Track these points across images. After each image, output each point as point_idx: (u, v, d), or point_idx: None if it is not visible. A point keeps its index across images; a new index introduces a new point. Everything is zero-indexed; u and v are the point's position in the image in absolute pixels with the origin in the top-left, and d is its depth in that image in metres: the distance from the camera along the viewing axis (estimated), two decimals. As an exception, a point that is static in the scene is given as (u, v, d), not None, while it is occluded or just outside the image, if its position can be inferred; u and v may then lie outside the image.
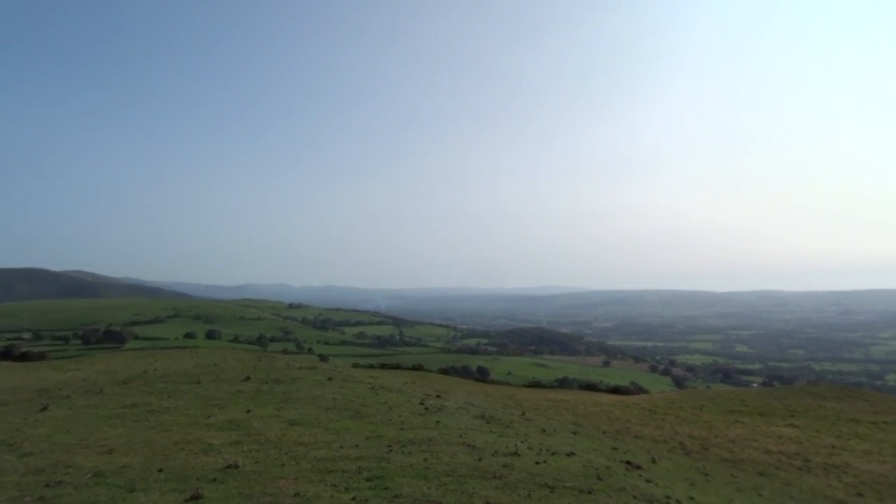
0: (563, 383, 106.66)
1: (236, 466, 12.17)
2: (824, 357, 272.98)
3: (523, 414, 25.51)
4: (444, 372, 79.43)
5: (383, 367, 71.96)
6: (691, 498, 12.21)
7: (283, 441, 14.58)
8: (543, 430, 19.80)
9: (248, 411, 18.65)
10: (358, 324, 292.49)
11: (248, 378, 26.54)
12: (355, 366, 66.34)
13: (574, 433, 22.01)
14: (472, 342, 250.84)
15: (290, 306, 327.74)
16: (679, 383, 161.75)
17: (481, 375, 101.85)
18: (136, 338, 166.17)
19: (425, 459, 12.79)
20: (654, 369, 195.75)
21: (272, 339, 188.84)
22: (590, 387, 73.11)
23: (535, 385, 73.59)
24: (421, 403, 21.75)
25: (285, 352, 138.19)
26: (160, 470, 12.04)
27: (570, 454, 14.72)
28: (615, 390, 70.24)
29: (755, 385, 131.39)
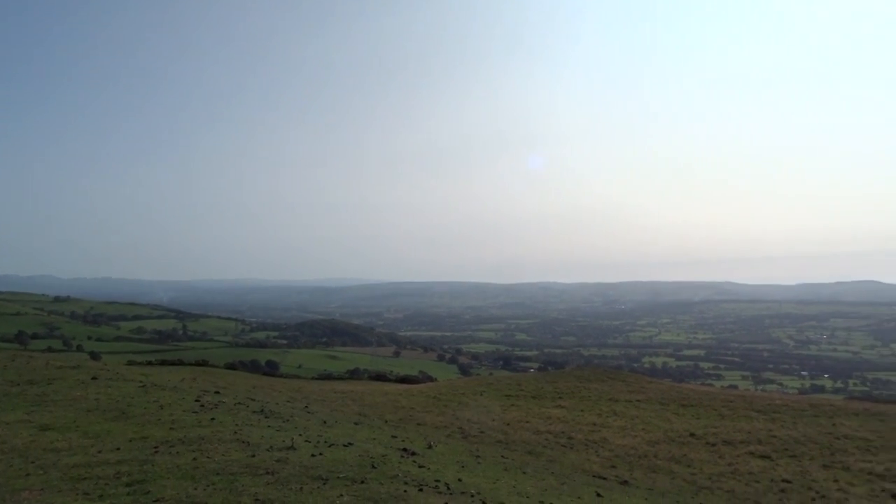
0: (353, 374, 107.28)
1: (-31, 480, 10.76)
2: (592, 343, 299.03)
3: (307, 407, 25.25)
4: (231, 367, 76.41)
5: (163, 363, 67.72)
6: (459, 480, 12.79)
7: (30, 448, 13.13)
8: (325, 422, 19.73)
9: (-8, 417, 16.60)
10: (136, 318, 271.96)
11: (-5, 380, 23.64)
12: (130, 363, 61.83)
13: (356, 424, 22.18)
14: (261, 335, 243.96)
15: (57, 299, 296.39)
16: (464, 371, 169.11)
17: (270, 369, 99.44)
18: None
19: (194, 459, 12.17)
20: (441, 358, 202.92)
21: (34, 337, 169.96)
22: (379, 377, 74.21)
23: (326, 377, 73.34)
24: (196, 401, 20.72)
25: (49, 350, 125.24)
26: None
27: (349, 445, 14.79)
28: (404, 380, 71.92)
29: (532, 370, 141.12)
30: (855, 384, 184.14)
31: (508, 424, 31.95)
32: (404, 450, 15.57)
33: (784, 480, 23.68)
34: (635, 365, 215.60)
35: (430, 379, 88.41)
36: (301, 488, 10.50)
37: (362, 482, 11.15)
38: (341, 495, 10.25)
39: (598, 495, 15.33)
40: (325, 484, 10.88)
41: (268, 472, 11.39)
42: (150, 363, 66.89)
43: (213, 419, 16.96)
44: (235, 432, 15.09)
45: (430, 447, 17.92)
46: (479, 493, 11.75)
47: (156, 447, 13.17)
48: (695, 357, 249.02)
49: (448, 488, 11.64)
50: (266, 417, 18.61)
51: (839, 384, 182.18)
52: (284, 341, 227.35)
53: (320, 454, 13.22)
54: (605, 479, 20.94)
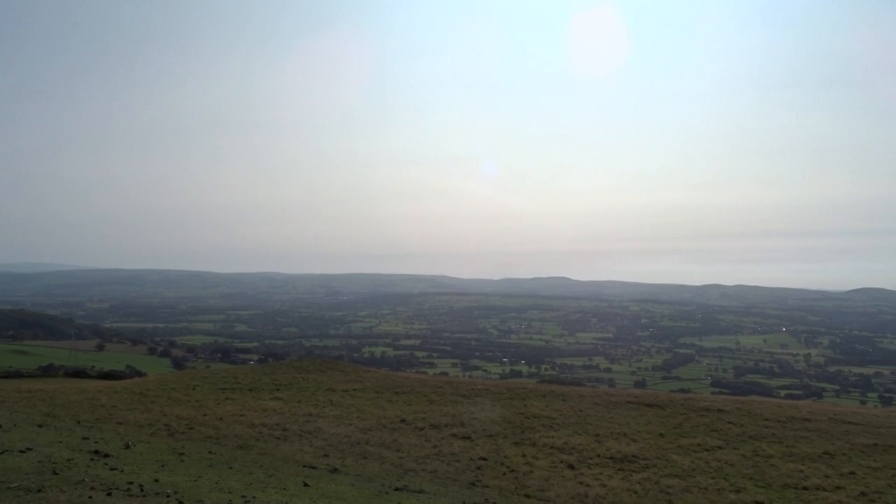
0: (47, 371, 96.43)
1: None
2: (314, 334, 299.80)
3: (-22, 410, 22.07)
4: None
5: None
6: (156, 480, 12.07)
7: None
8: (0, 427, 17.40)
9: None
10: None
11: None
12: None
13: (41, 426, 19.87)
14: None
15: None
16: (178, 364, 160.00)
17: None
18: None
19: None
20: (152, 351, 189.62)
21: None
22: (78, 373, 67.62)
23: (11, 375, 65.02)
24: None
25: None
26: None
27: (27, 450, 13.22)
28: (108, 375, 66.33)
29: (251, 362, 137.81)
30: (546, 369, 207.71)
31: (221, 419, 30.88)
32: (96, 452, 14.32)
33: (481, 458, 25.87)
34: (355, 355, 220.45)
35: (139, 374, 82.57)
36: (-42, 504, 9.16)
37: (39, 491, 10.03)
38: (10, 508, 9.12)
39: (306, 485, 15.43)
40: (-10, 497, 9.60)
41: (-87, 491, 9.75)
42: None
43: None
44: None
45: (127, 447, 16.67)
46: (176, 493, 11.19)
47: None
48: (411, 346, 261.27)
49: (142, 490, 10.93)
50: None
51: (533, 369, 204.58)
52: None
53: (-11, 463, 11.64)
54: (315, 468, 21.16)
